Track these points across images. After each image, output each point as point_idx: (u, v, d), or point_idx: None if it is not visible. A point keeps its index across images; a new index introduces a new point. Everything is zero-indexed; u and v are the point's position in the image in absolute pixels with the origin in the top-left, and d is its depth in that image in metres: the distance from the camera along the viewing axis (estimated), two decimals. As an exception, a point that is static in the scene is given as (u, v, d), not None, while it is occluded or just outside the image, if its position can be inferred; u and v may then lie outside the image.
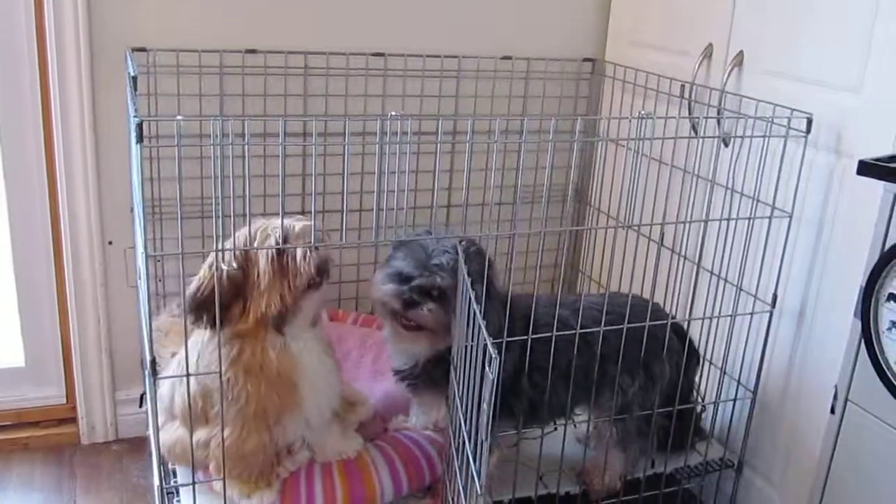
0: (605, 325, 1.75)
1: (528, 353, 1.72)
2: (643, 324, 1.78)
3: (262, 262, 1.57)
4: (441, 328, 1.67)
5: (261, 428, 1.64)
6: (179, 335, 1.93)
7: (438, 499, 1.80)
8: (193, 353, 1.66)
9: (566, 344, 1.75)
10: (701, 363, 1.98)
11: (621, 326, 1.76)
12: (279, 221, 1.56)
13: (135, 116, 1.38)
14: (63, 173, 2.13)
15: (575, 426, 1.98)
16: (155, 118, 2.08)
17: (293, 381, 1.65)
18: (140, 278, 1.70)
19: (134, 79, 1.68)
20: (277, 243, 1.56)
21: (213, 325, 1.58)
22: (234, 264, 1.56)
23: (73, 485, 2.20)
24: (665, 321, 1.85)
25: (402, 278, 1.67)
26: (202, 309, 1.57)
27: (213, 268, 1.55)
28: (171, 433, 1.72)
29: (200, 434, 1.67)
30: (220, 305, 1.54)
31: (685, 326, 1.95)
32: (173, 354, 1.88)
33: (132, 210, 2.16)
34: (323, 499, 1.70)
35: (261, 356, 1.61)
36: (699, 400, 2.05)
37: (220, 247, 1.50)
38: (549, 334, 1.71)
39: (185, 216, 1.40)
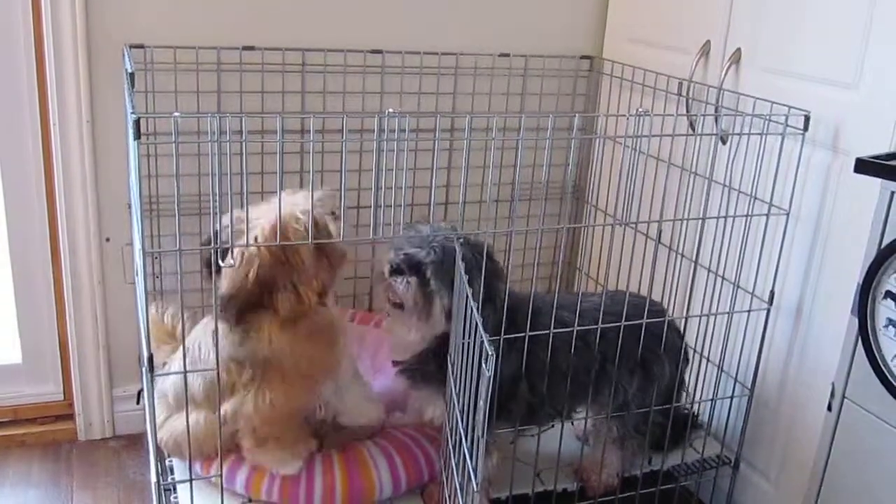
0: (608, 326, 1.76)
1: (524, 355, 1.72)
2: (639, 321, 1.78)
3: (304, 247, 1.59)
4: (420, 308, 1.68)
5: (307, 386, 1.67)
6: (161, 332, 1.93)
7: (435, 496, 1.80)
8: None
9: (568, 345, 1.75)
10: (690, 362, 1.99)
11: (626, 324, 1.76)
12: (296, 199, 1.58)
13: (132, 113, 1.37)
14: (60, 170, 2.12)
15: (573, 424, 1.98)
16: (152, 115, 2.08)
17: (336, 340, 1.70)
18: (137, 275, 1.70)
19: (131, 75, 1.68)
20: (305, 228, 1.57)
21: (238, 322, 1.61)
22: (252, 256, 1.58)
23: (70, 481, 2.20)
24: (668, 320, 1.85)
25: (395, 250, 1.70)
26: (243, 308, 1.59)
27: (241, 268, 1.57)
28: (182, 421, 1.70)
29: (226, 407, 1.67)
30: (250, 302, 1.58)
31: (683, 324, 1.95)
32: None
33: (129, 207, 2.16)
34: (322, 491, 1.71)
35: (312, 324, 1.64)
36: (689, 397, 2.05)
37: (217, 244, 1.50)
38: (547, 331, 1.71)
39: (183, 213, 1.40)
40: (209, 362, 1.65)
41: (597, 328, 1.76)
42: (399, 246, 1.69)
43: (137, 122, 1.35)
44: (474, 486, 1.33)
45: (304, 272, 1.59)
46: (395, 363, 1.81)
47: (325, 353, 1.68)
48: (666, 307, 1.90)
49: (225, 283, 1.59)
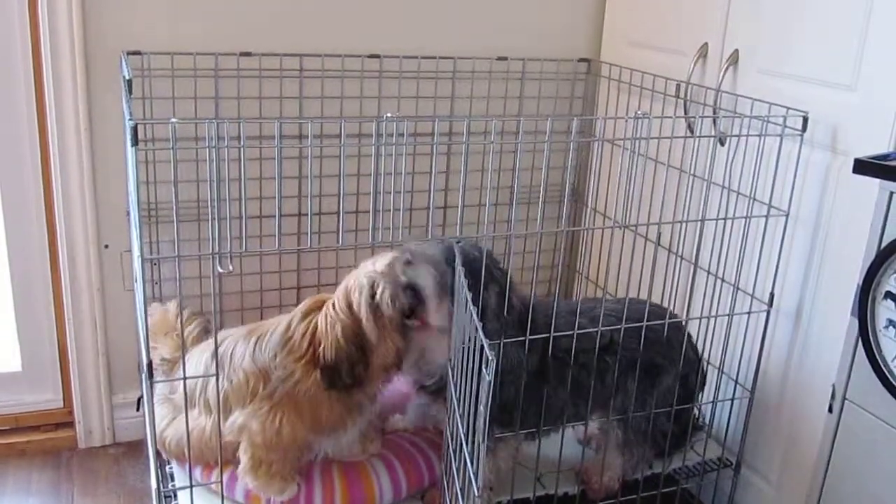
0: (625, 335, 1.77)
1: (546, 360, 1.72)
2: (653, 322, 1.78)
3: (364, 315, 1.60)
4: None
5: (311, 428, 1.66)
6: (166, 326, 1.92)
7: (436, 501, 1.80)
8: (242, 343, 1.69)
9: (581, 352, 1.76)
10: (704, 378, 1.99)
11: (639, 324, 1.76)
12: (370, 267, 1.60)
13: (130, 120, 1.37)
14: (59, 177, 2.12)
15: (574, 428, 1.98)
16: (150, 121, 2.08)
17: (355, 410, 1.70)
18: (136, 282, 1.70)
19: (129, 82, 1.68)
20: (372, 296, 1.59)
21: (348, 386, 1.62)
22: (341, 321, 1.60)
23: (70, 489, 2.19)
24: (681, 330, 1.86)
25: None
26: (335, 372, 1.60)
27: (333, 334, 1.59)
28: (190, 423, 1.69)
29: (235, 415, 1.66)
30: (349, 359, 1.60)
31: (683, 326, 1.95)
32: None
33: (128, 213, 2.15)
34: (322, 499, 1.70)
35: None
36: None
37: (216, 250, 1.50)
38: (546, 335, 1.71)
39: (182, 219, 1.40)
40: (239, 367, 1.65)
41: (607, 336, 1.77)
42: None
43: (135, 129, 1.35)
44: (475, 490, 1.33)
45: (369, 341, 1.61)
46: (419, 387, 1.80)
47: (340, 415, 1.67)
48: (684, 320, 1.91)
49: (325, 354, 1.61)
